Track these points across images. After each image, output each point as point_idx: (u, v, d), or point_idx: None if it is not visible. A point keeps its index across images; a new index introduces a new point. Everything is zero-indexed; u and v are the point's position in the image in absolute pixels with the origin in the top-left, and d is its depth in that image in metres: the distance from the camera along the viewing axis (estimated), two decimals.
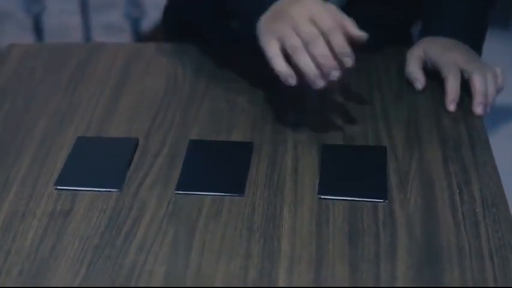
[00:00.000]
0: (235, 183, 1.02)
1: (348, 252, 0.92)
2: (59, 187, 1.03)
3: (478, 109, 1.16)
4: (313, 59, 1.02)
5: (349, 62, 1.03)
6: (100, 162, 1.07)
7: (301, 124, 1.14)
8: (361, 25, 1.06)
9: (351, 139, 1.12)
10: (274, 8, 1.08)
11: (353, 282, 0.88)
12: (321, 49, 1.02)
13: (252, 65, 1.29)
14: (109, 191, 1.02)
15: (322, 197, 1.00)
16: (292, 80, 1.04)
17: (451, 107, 1.17)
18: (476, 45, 1.27)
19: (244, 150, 1.09)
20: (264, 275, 0.89)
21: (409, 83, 1.23)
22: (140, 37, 2.41)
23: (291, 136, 1.12)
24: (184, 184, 1.02)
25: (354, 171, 1.06)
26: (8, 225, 0.97)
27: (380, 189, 1.01)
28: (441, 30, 1.26)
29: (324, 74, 1.03)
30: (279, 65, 1.04)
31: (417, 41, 1.27)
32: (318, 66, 1.02)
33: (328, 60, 1.02)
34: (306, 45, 1.02)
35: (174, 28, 1.46)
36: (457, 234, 0.95)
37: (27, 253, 0.93)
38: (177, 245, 0.94)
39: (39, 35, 2.38)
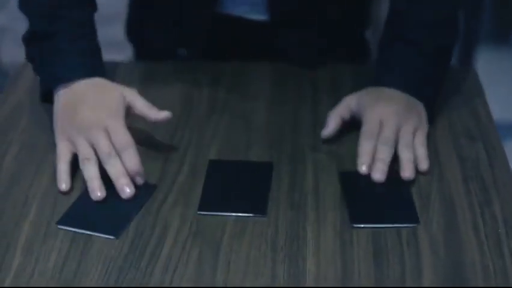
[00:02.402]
0: (257, 204, 1.02)
1: (374, 272, 0.92)
2: (60, 226, 1.00)
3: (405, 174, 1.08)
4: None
5: (140, 181, 1.05)
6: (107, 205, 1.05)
7: (319, 144, 1.14)
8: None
9: None
10: (67, 101, 1.11)
11: None
12: (117, 168, 1.04)
13: (266, 83, 1.30)
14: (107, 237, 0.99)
15: (355, 225, 1.00)
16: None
17: (362, 168, 1.08)
18: (423, 97, 1.17)
19: (264, 170, 1.08)
20: None
21: None
22: None
23: (309, 155, 1.12)
24: (206, 204, 1.02)
25: (381, 197, 1.05)
26: (30, 246, 0.97)
27: (411, 213, 1.01)
28: (383, 79, 1.18)
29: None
30: (60, 170, 1.07)
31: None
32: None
33: (123, 178, 1.04)
34: (103, 160, 1.05)
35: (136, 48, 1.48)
36: (480, 254, 0.95)
37: (50, 275, 0.93)
38: (202, 265, 0.93)
39: None
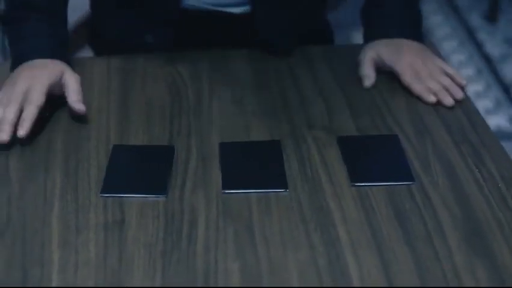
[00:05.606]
0: (277, 179, 1.07)
1: (402, 234, 0.99)
2: (105, 195, 1.05)
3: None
4: None
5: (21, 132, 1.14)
6: (140, 169, 1.10)
7: (314, 120, 1.20)
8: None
9: (364, 131, 1.18)
10: (15, 72, 1.22)
11: (417, 261, 0.95)
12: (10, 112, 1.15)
13: (247, 71, 1.34)
14: (156, 197, 1.05)
15: (355, 184, 1.07)
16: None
17: (431, 98, 1.26)
18: (418, 36, 1.37)
19: (273, 148, 1.14)
20: (333, 261, 0.95)
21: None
22: None
23: (307, 133, 1.17)
24: (229, 183, 1.07)
25: (377, 159, 1.13)
26: (65, 240, 0.98)
27: (406, 173, 1.09)
28: (386, 32, 1.36)
29: None
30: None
31: (365, 45, 1.36)
32: None
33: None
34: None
35: (98, 44, 1.49)
36: (489, 208, 1.03)
37: (95, 264, 0.94)
38: (241, 242, 0.97)
39: None
